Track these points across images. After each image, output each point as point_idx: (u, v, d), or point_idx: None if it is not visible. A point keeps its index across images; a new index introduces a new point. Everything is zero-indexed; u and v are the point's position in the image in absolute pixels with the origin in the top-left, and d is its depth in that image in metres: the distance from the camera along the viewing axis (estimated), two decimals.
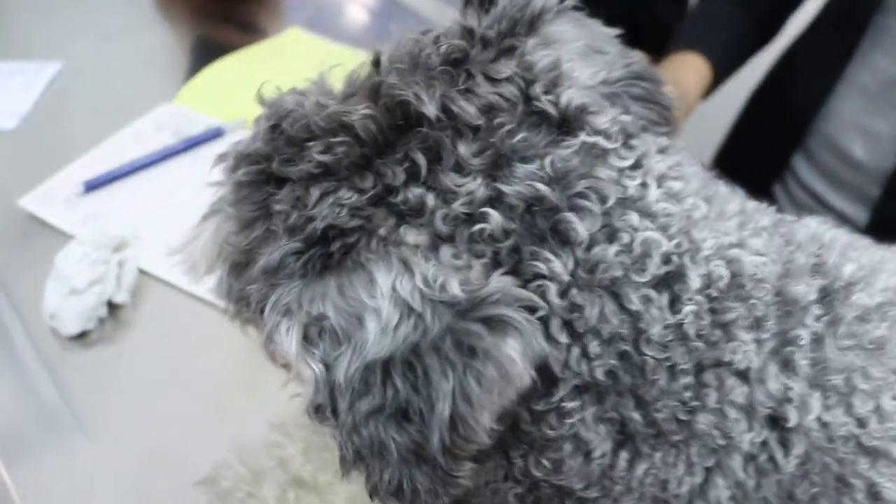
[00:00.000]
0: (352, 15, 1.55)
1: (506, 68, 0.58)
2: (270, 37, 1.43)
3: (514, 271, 0.55)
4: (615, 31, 0.66)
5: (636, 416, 0.57)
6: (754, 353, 0.57)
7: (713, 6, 1.37)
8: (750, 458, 0.58)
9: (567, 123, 0.58)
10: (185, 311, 1.00)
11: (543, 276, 0.55)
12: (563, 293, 0.55)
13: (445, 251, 0.54)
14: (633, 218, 0.56)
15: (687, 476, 0.59)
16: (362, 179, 0.54)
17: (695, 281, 0.56)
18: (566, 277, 0.55)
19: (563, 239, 0.55)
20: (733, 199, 0.63)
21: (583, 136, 0.57)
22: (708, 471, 0.59)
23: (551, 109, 0.57)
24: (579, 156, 0.57)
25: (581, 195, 0.56)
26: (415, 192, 0.54)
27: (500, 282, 0.53)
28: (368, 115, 0.55)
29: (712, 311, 0.57)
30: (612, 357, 0.56)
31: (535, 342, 0.52)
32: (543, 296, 0.54)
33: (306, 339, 0.53)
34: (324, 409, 0.53)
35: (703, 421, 0.57)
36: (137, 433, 0.88)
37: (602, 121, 0.59)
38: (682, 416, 0.57)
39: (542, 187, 0.55)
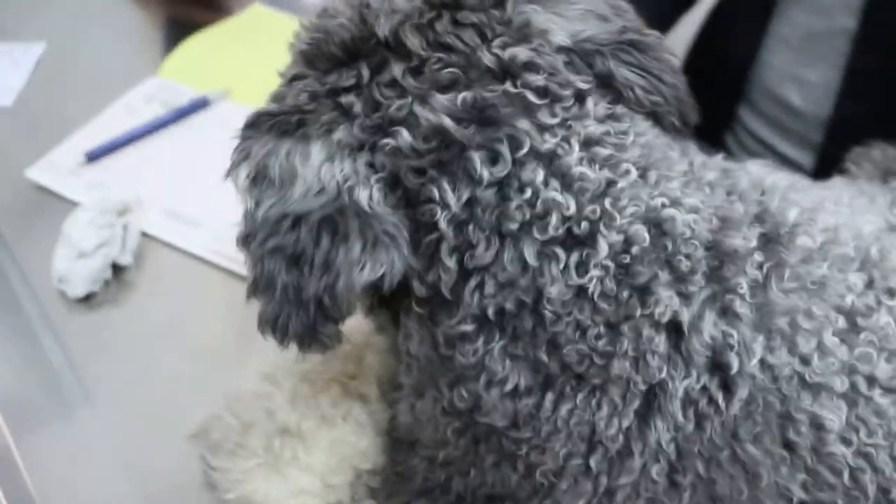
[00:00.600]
0: None
1: (474, 17, 0.64)
2: (235, 13, 1.48)
3: (416, 189, 0.63)
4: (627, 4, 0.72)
5: (546, 358, 0.62)
6: (681, 305, 0.60)
7: None
8: (689, 402, 0.61)
9: (505, 75, 0.63)
10: (185, 270, 1.05)
11: (433, 202, 0.62)
12: (457, 225, 0.61)
13: (361, 157, 0.63)
14: (539, 175, 0.60)
15: (614, 418, 0.62)
16: (327, 75, 0.65)
17: (604, 247, 0.60)
18: (456, 210, 0.61)
19: (467, 175, 0.61)
20: (682, 160, 0.66)
21: (507, 86, 0.62)
22: (640, 415, 0.62)
23: (488, 60, 0.62)
24: (508, 106, 0.61)
25: (496, 139, 0.61)
26: (348, 98, 0.63)
27: (394, 214, 0.63)
28: (342, 24, 0.65)
29: (622, 274, 0.60)
30: (507, 301, 0.61)
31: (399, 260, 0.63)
32: (433, 219, 0.62)
33: (252, 180, 0.64)
34: (246, 238, 0.64)
35: (618, 367, 0.61)
36: (137, 392, 0.93)
37: (537, 78, 0.62)
38: (597, 361, 0.61)
39: (447, 120, 0.61)
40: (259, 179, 0.64)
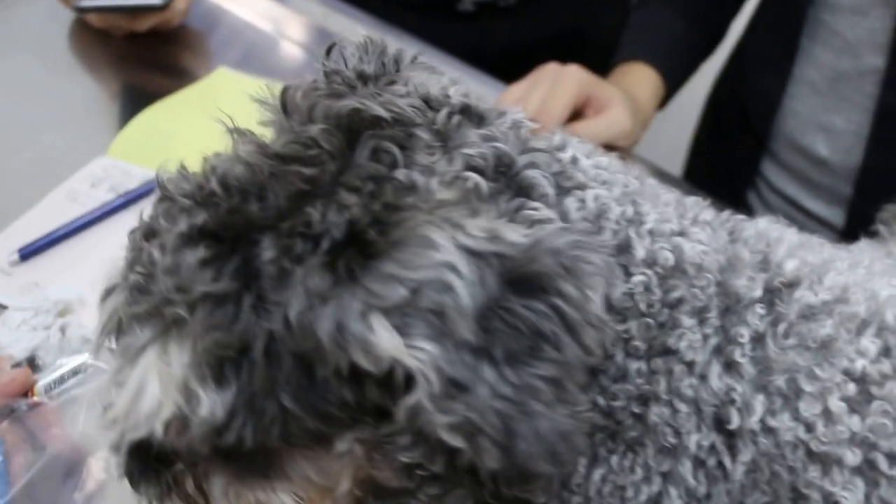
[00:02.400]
0: (283, 51, 1.56)
1: (401, 89, 0.62)
2: (199, 79, 1.43)
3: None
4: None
5: (600, 399, 0.60)
6: (700, 346, 0.60)
7: (651, 13, 1.41)
8: (699, 462, 0.61)
9: (485, 113, 0.62)
10: None
11: (540, 222, 0.56)
12: None
13: (469, 214, 0.55)
14: (579, 176, 0.61)
15: (644, 484, 0.61)
16: (349, 183, 0.54)
17: (640, 252, 0.60)
18: (560, 224, 0.57)
19: (541, 194, 0.59)
20: (667, 191, 0.67)
21: (511, 115, 0.63)
22: (664, 478, 0.61)
23: (470, 101, 0.62)
24: (514, 135, 0.61)
25: (528, 165, 0.60)
26: (402, 172, 0.55)
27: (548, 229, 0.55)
28: (324, 129, 0.56)
29: (660, 286, 0.60)
30: None
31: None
32: None
33: (398, 329, 0.50)
34: (456, 389, 0.51)
35: (656, 413, 0.60)
36: None
37: (519, 112, 0.64)
38: (636, 409, 0.60)
39: (501, 145, 0.59)
40: (406, 322, 0.51)
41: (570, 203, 0.60)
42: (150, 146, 1.27)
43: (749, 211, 1.43)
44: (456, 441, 0.51)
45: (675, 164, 1.62)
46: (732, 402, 0.60)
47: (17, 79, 1.43)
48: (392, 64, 0.65)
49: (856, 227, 1.26)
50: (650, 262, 0.60)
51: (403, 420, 0.52)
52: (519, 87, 1.24)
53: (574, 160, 0.63)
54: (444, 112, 0.59)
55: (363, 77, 0.63)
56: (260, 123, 0.65)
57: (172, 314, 0.54)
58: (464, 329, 0.50)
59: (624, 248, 0.60)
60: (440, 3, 1.60)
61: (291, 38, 1.57)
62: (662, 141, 1.42)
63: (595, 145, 0.67)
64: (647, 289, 0.59)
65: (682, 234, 0.62)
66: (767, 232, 0.67)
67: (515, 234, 0.52)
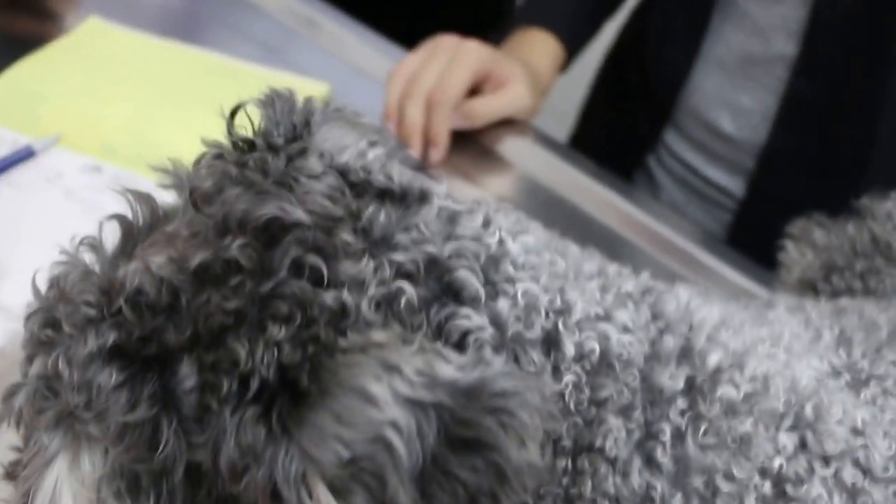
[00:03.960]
0: None
1: (316, 165, 0.59)
2: (67, 25, 1.37)
3: (440, 338, 0.56)
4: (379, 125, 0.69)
5: (529, 501, 0.58)
6: (624, 442, 0.60)
7: None
8: None
9: (408, 196, 0.60)
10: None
11: (471, 332, 0.56)
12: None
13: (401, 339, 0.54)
14: (508, 268, 0.59)
15: None
16: (276, 312, 0.52)
17: (570, 349, 0.59)
18: (490, 330, 0.57)
19: (459, 299, 0.57)
20: (588, 258, 0.66)
21: (437, 202, 0.60)
22: None
23: (392, 183, 0.59)
24: (440, 222, 0.59)
25: (456, 255, 0.58)
26: (328, 295, 0.53)
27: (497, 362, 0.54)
28: (243, 246, 0.53)
29: (589, 384, 0.59)
30: None
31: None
32: (481, 353, 0.55)
33: (336, 494, 0.50)
34: None
35: None
36: None
37: (443, 188, 0.62)
38: None
39: (432, 248, 0.57)
40: (346, 483, 0.50)
41: (502, 304, 0.58)
42: (19, 108, 1.20)
43: (648, 174, 1.44)
44: None
45: (560, 127, 1.61)
46: (651, 500, 0.61)
47: None
48: (302, 124, 0.62)
49: (757, 199, 1.30)
50: (578, 357, 0.60)
51: None
52: (414, 59, 1.21)
53: (501, 243, 0.61)
54: (368, 209, 0.58)
55: (273, 148, 0.60)
56: (160, 186, 0.61)
57: (83, 430, 0.53)
58: (402, 494, 0.49)
59: (554, 344, 0.59)
60: None
61: None
62: (546, 104, 1.39)
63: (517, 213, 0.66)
64: (577, 387, 0.59)
65: (607, 318, 0.62)
66: (689, 311, 0.67)
67: (451, 370, 0.51)
